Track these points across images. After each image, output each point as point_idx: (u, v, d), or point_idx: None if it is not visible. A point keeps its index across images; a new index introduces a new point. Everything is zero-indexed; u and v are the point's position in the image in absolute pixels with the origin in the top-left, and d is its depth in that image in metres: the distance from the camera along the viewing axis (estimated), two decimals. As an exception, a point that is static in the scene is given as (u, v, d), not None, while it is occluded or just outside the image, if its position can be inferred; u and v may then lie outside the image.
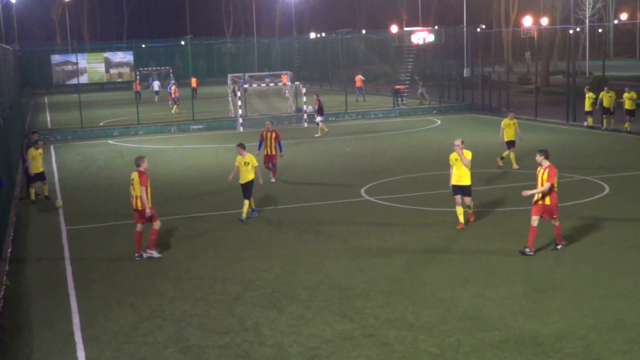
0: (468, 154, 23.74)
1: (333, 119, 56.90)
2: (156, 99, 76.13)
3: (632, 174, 31.84)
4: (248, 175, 25.02)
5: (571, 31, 75.87)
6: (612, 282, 18.43)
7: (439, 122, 53.46)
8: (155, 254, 21.52)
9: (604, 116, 45.26)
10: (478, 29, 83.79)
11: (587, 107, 46.28)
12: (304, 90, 54.85)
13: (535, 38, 77.43)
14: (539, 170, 20.74)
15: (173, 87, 66.08)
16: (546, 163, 20.65)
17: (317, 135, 47.35)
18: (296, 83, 57.78)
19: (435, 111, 59.42)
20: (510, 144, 33.10)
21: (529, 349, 14.65)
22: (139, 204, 21.05)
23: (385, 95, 66.24)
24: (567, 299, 17.37)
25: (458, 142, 23.81)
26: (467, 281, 18.77)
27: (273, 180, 31.59)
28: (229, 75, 61.23)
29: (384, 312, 16.87)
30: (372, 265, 20.29)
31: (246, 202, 25.34)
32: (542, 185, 20.35)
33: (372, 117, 57.74)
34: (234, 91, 56.30)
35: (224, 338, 15.69)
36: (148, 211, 20.99)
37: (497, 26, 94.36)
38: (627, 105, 43.59)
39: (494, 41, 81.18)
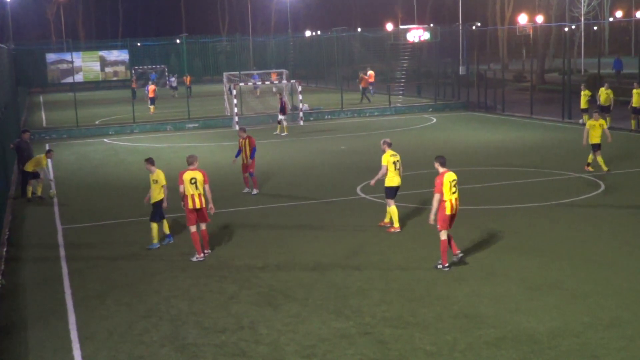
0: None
1: (329, 117, 56.98)
2: (175, 94, 76.11)
3: (627, 171, 31.87)
4: (156, 195, 22.49)
5: (566, 29, 75.76)
6: (608, 279, 18.45)
7: (435, 120, 53.50)
8: (207, 251, 21.53)
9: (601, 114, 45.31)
10: (473, 27, 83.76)
11: (583, 104, 46.31)
12: (299, 89, 54.86)
13: (531, 36, 77.50)
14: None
15: (151, 87, 65.91)
16: (441, 169, 19.66)
17: (275, 132, 47.38)
18: (292, 81, 57.79)
19: (430, 109, 59.48)
20: (596, 147, 31.18)
21: (525, 347, 14.67)
22: (203, 202, 20.98)
23: (381, 93, 66.22)
24: (563, 296, 17.39)
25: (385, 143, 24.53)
26: (462, 279, 18.79)
27: (255, 192, 29.68)
28: (225, 74, 61.18)
29: (380, 310, 16.88)
30: (368, 264, 20.30)
31: (154, 225, 22.48)
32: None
33: (367, 115, 57.79)
34: (229, 89, 56.29)
35: (220, 337, 15.70)
36: (212, 208, 21.27)
37: (492, 24, 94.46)
38: (637, 102, 43.30)
39: (490, 39, 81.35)
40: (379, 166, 34.42)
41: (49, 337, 16.13)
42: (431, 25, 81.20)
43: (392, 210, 23.51)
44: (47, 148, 32.88)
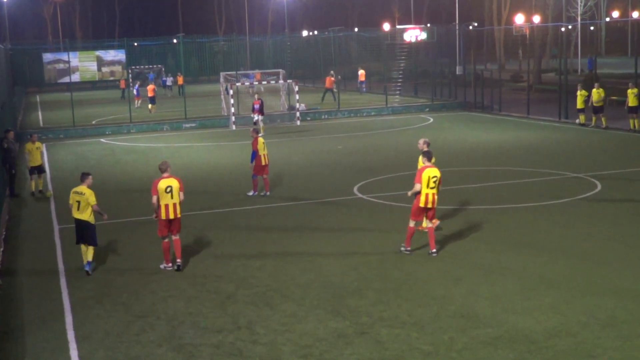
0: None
1: (326, 116, 56.98)
2: (169, 94, 75.82)
3: (624, 171, 31.91)
4: (81, 213, 20.27)
5: (563, 29, 75.95)
6: (605, 279, 18.48)
7: (432, 120, 53.54)
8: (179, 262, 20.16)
9: (593, 114, 45.40)
10: (470, 27, 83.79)
11: (579, 104, 46.38)
12: (296, 89, 54.88)
13: (527, 36, 77.53)
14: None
15: (150, 87, 66.32)
16: (427, 164, 20.66)
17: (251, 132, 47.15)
18: (289, 81, 57.78)
19: (427, 109, 59.50)
20: None
21: (521, 346, 14.69)
22: (178, 212, 19.78)
23: (378, 93, 66.27)
24: (559, 296, 17.42)
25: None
26: (459, 279, 18.81)
27: (251, 193, 29.06)
28: (222, 74, 61.19)
29: (377, 310, 16.89)
30: (365, 264, 20.32)
31: (82, 247, 20.53)
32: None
33: (364, 115, 57.82)
34: (226, 89, 56.28)
35: (217, 336, 15.70)
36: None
37: (489, 24, 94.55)
38: (632, 101, 43.30)
39: (486, 39, 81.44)
40: (375, 166, 34.64)
41: (46, 338, 16.12)
42: (428, 25, 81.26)
43: None
44: (29, 134, 33.56)
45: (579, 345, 14.71)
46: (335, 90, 64.24)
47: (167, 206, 19.61)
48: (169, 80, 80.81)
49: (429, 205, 20.29)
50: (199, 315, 16.90)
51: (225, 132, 50.52)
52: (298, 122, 53.35)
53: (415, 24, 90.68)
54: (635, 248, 21.01)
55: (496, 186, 29.50)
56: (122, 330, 16.30)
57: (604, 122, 44.83)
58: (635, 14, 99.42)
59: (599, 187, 28.79)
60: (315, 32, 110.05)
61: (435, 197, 20.39)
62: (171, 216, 19.67)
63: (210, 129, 52.61)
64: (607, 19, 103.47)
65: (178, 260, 20.06)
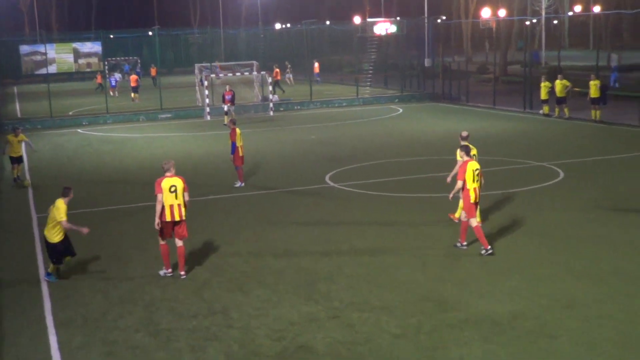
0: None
1: (299, 107, 56.98)
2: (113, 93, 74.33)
3: (585, 159, 32.18)
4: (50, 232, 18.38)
5: (528, 22, 76.20)
6: (566, 263, 18.66)
7: (401, 110, 53.66)
8: (183, 274, 18.58)
9: (556, 105, 45.73)
10: (439, 20, 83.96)
11: (543, 95, 46.66)
12: (269, 80, 54.94)
13: (494, 29, 77.81)
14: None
15: (133, 76, 66.70)
16: (466, 158, 19.69)
17: (224, 124, 46.74)
18: (262, 73, 57.73)
19: (397, 100, 59.60)
20: None
21: (486, 328, 14.84)
22: (183, 214, 18.14)
23: (349, 84, 66.31)
24: (522, 279, 17.58)
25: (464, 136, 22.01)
26: (427, 264, 18.92)
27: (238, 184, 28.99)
28: (196, 65, 61.05)
29: (348, 294, 17.00)
30: (336, 250, 20.41)
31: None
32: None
33: (336, 106, 57.86)
34: (201, 80, 56.19)
35: (192, 321, 15.75)
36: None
37: (457, 17, 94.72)
38: (592, 93, 43.65)
39: (454, 32, 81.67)
40: (346, 155, 34.71)
41: (25, 324, 16.10)
42: (398, 18, 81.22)
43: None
44: (13, 127, 33.42)
45: (542, 326, 14.88)
46: (317, 79, 64.23)
47: (171, 207, 17.93)
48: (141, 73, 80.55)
49: (479, 200, 19.57)
50: (176, 301, 16.95)
51: (200, 122, 50.41)
52: (271, 113, 53.31)
53: (386, 17, 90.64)
54: (594, 234, 21.22)
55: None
56: (100, 316, 16.31)
57: (566, 113, 45.13)
58: (596, 9, 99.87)
59: (562, 175, 29.00)
60: (288, 25, 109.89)
61: (480, 191, 19.63)
62: (176, 217, 18.00)
63: (185, 119, 52.48)
64: (570, 13, 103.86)
65: (182, 273, 18.46)
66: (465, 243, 20.00)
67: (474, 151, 21.18)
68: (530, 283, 17.36)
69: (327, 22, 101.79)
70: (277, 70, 62.66)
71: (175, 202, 17.93)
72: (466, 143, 20.59)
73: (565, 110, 45.18)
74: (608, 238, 20.83)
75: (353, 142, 39.13)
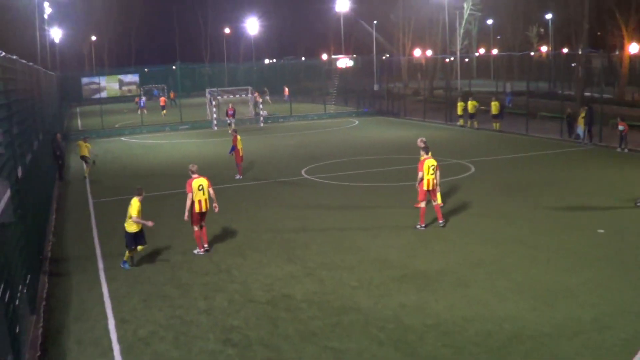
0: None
1: (282, 120, 56.70)
2: (138, 112, 72.45)
3: (490, 158, 32.26)
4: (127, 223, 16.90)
5: (447, 60, 76.34)
6: (477, 233, 18.70)
7: (357, 122, 53.56)
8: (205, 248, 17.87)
9: (469, 119, 45.88)
10: (384, 57, 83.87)
11: (459, 111, 46.84)
12: (260, 100, 54.76)
13: (423, 63, 77.89)
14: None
15: (162, 98, 66.66)
16: (425, 156, 19.41)
17: (229, 132, 46.34)
18: (254, 95, 57.50)
19: (354, 115, 59.45)
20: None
21: (420, 281, 14.84)
22: (208, 206, 17.49)
23: (319, 103, 66.11)
24: (447, 245, 17.60)
25: (420, 142, 21.12)
26: (377, 235, 18.90)
27: (238, 177, 28.68)
28: (207, 90, 60.69)
29: (319, 257, 16.95)
30: (310, 224, 20.36)
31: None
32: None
33: (310, 119, 57.63)
34: (210, 101, 55.89)
35: (205, 278, 15.66)
36: (217, 207, 17.95)
37: (397, 54, 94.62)
38: (493, 110, 43.93)
39: (395, 65, 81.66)
40: (317, 155, 34.62)
41: (85, 278, 15.99)
42: (354, 55, 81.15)
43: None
44: (83, 136, 34.14)
45: (459, 279, 14.92)
46: (285, 98, 63.64)
47: (200, 202, 17.25)
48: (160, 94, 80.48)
49: (431, 188, 19.27)
50: (192, 263, 16.84)
51: (209, 131, 50.09)
52: (262, 125, 53.10)
53: (345, 54, 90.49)
54: (497, 210, 21.29)
55: (402, 169, 29.66)
56: (138, 273, 16.20)
57: (476, 125, 45.24)
58: (495, 51, 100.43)
59: (473, 169, 29.07)
60: (274, 60, 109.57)
61: (435, 181, 19.29)
62: (204, 209, 17.36)
63: (199, 129, 52.08)
64: (477, 54, 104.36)
65: (206, 245, 17.85)
66: (424, 225, 19.56)
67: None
68: (452, 248, 17.38)
69: (303, 58, 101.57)
70: (257, 93, 62.10)
71: (203, 198, 17.31)
72: (424, 145, 19.95)
73: (475, 122, 45.29)
74: (507, 213, 20.90)
75: (322, 145, 39.02)
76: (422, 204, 19.42)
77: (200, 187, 17.35)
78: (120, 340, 12.37)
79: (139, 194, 16.81)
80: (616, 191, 23.99)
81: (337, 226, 20.10)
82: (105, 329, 12.90)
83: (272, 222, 20.93)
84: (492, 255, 16.58)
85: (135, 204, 16.59)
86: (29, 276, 13.33)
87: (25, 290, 12.64)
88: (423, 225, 19.42)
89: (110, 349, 12.01)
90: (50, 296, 14.87)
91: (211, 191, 17.59)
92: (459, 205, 22.07)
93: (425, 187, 19.22)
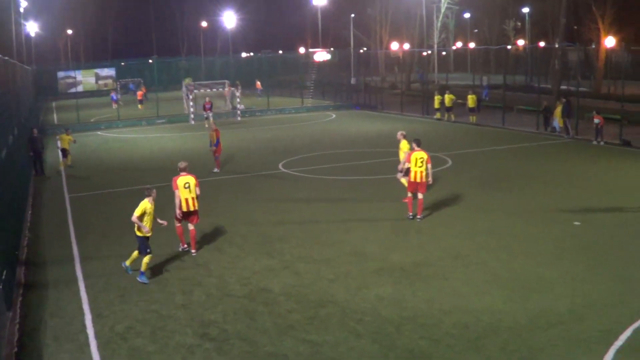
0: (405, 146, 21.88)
1: (259, 114, 56.55)
2: (114, 106, 71.65)
3: (467, 151, 32.42)
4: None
5: (424, 53, 76.52)
6: (454, 226, 18.80)
7: (334, 116, 53.56)
8: (194, 252, 17.07)
9: (446, 112, 46.06)
10: (361, 50, 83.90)
11: (436, 105, 46.99)
12: (238, 93, 54.57)
13: (400, 57, 78.01)
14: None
15: (139, 92, 66.35)
16: (417, 148, 19.66)
17: (206, 126, 46.08)
18: (232, 89, 57.25)
19: (331, 108, 59.38)
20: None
21: (397, 274, 14.90)
22: (195, 205, 16.85)
23: (296, 97, 66.00)
24: (424, 238, 17.68)
25: (400, 135, 22.09)
26: (353, 229, 18.93)
27: (216, 170, 28.64)
28: (184, 84, 60.36)
29: (297, 251, 16.96)
30: (287, 219, 20.36)
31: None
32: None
33: (286, 113, 57.50)
34: (186, 95, 55.58)
35: (182, 272, 15.62)
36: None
37: (374, 48, 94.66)
38: (470, 103, 44.16)
39: (372, 59, 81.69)
40: (294, 149, 34.60)
41: (61, 274, 15.87)
42: (332, 49, 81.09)
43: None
44: (65, 129, 34.09)
45: (436, 271, 15.00)
46: (258, 93, 63.57)
47: (186, 200, 16.69)
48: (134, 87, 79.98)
49: (418, 180, 19.29)
50: (169, 257, 16.76)
51: (186, 125, 49.86)
52: (239, 118, 52.94)
53: (323, 48, 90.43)
54: (473, 202, 21.41)
55: (380, 162, 29.71)
56: (114, 269, 16.08)
57: (452, 118, 45.41)
58: (472, 44, 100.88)
59: (450, 162, 29.20)
60: (252, 54, 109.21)
61: (423, 173, 19.22)
62: (191, 208, 16.73)
63: (175, 123, 51.73)
64: (454, 47, 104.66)
65: (193, 251, 17.07)
66: (418, 215, 19.62)
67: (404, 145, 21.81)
68: (429, 240, 17.46)
69: (280, 51, 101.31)
70: (229, 87, 61.81)
71: (190, 196, 16.70)
72: (415, 139, 20.10)
73: (452, 115, 45.46)
74: (484, 206, 21.02)
75: (300, 139, 38.99)
76: (410, 195, 19.81)
77: (187, 185, 16.74)
78: (97, 335, 12.32)
79: (148, 195, 15.41)
80: (592, 184, 24.23)
81: (315, 219, 20.11)
82: (82, 325, 12.83)
83: (250, 215, 20.89)
84: (469, 248, 16.68)
85: (141, 205, 15.18)
86: (4, 272, 13.23)
87: (1, 287, 12.55)
88: (411, 214, 19.67)
89: (87, 345, 11.95)
90: (27, 292, 14.76)
91: (197, 191, 16.88)
92: (436, 198, 22.16)
93: (411, 179, 19.45)
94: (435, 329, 12.05)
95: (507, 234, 17.85)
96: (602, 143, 33.31)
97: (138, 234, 15.23)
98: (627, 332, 11.67)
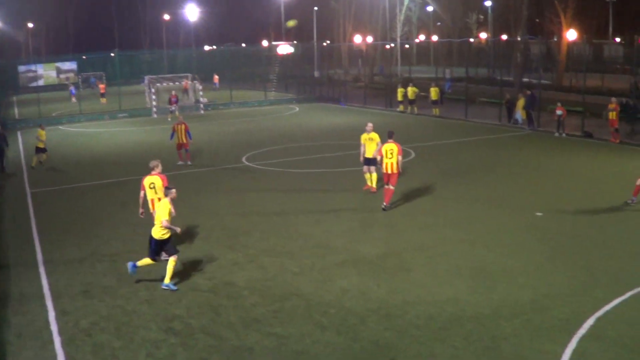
0: (376, 137, 22.02)
1: (222, 107, 56.26)
2: (73, 100, 70.78)
3: (430, 143, 32.61)
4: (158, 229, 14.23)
5: (387, 46, 76.72)
6: (418, 218, 18.91)
7: (297, 109, 53.51)
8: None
9: (409, 105, 46.27)
10: (324, 44, 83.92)
11: (399, 97, 47.20)
12: (200, 87, 54.27)
13: (364, 50, 78.10)
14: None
15: (101, 85, 65.57)
16: (389, 140, 19.79)
17: (169, 119, 45.87)
18: (193, 82, 56.93)
19: (294, 101, 59.31)
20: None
21: (361, 265, 14.95)
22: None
23: (259, 90, 65.78)
24: (388, 230, 17.75)
25: (370, 127, 22.15)
26: (319, 221, 18.95)
27: (189, 163, 28.61)
28: (146, 77, 59.85)
29: (261, 244, 16.93)
30: (251, 212, 20.30)
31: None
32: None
33: (250, 106, 57.28)
34: (148, 88, 55.11)
35: (146, 267, 15.46)
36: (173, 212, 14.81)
37: (337, 41, 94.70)
38: (433, 96, 44.42)
39: (336, 52, 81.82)
40: (257, 142, 34.51)
41: (24, 271, 15.62)
42: (295, 42, 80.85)
43: (366, 175, 22.33)
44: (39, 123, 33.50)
45: (401, 263, 15.08)
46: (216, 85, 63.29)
47: (152, 201, 16.15)
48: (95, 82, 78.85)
49: (389, 171, 19.53)
50: (134, 253, 16.54)
51: (148, 119, 49.44)
52: (202, 112, 52.66)
53: (286, 41, 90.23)
54: (437, 194, 21.55)
55: (343, 155, 29.71)
56: (78, 265, 15.92)
57: (416, 110, 45.62)
58: (434, 37, 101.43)
59: (413, 154, 29.34)
60: (214, 47, 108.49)
61: (394, 164, 19.47)
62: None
63: (137, 117, 51.28)
64: (417, 40, 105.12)
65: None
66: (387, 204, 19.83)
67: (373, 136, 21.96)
68: (393, 233, 17.54)
69: (243, 44, 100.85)
70: (187, 81, 61.29)
71: (155, 197, 16.05)
72: (389, 131, 20.32)
73: (415, 108, 45.66)
74: (447, 197, 21.18)
75: (263, 132, 38.87)
76: (370, 185, 20.38)
77: (152, 186, 16.19)
78: (60, 332, 12.18)
79: (168, 195, 14.40)
80: (554, 175, 24.53)
81: (279, 213, 20.08)
82: (46, 321, 12.67)
83: (214, 209, 20.80)
84: (433, 240, 16.79)
85: (164, 208, 14.03)
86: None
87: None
88: (387, 204, 19.79)
89: (51, 341, 11.81)
90: (-13, 289, 14.54)
91: (173, 211, 15.37)
92: (400, 191, 22.23)
93: (383, 170, 19.75)
94: (400, 320, 12.12)
95: (471, 226, 18.00)
96: (563, 135, 33.73)
97: (156, 236, 14.10)
98: (590, 321, 11.85)
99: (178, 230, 14.27)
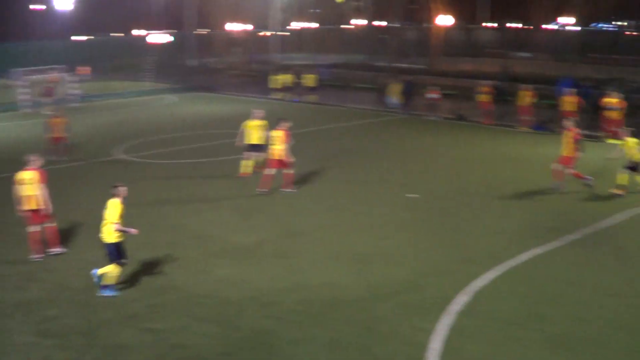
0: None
1: (97, 99, 54.57)
2: None
3: (306, 130, 32.75)
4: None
5: (263, 33, 76.61)
6: (295, 204, 18.99)
7: (175, 98, 52.55)
8: (59, 249, 15.60)
9: (285, 92, 46.39)
10: (200, 32, 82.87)
11: (276, 85, 47.26)
12: (72, 79, 52.62)
13: (240, 38, 77.66)
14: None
15: None
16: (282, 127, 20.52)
17: (42, 113, 44.24)
18: (63, 74, 55.02)
19: (172, 91, 58.22)
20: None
21: (239, 255, 14.93)
22: (39, 203, 14.94)
23: (135, 80, 64.23)
24: (266, 218, 17.75)
25: (260, 114, 22.98)
26: (197, 211, 18.72)
27: (65, 157, 27.10)
28: (13, 70, 57.28)
29: (137, 237, 16.22)
30: (128, 205, 19.74)
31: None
32: None
33: (126, 97, 55.76)
34: (17, 82, 52.75)
35: (16, 268, 14.81)
36: (50, 209, 15.10)
37: (215, 29, 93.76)
38: (309, 83, 44.67)
39: (212, 40, 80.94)
40: (135, 133, 33.67)
41: None
42: (170, 30, 79.35)
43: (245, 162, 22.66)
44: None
45: (278, 250, 15.17)
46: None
47: (27, 197, 14.93)
48: None
49: (276, 157, 20.19)
50: (2, 253, 15.84)
51: (18, 114, 47.31)
52: (76, 104, 50.99)
53: (161, 30, 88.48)
54: (315, 181, 21.67)
55: (220, 144, 29.42)
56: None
57: (293, 97, 45.77)
58: (312, 24, 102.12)
59: (293, 141, 29.27)
60: (86, 37, 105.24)
61: (280, 151, 20.17)
62: (33, 206, 14.94)
63: (6, 112, 48.97)
64: (290, 27, 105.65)
65: (58, 248, 15.60)
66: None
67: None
68: (270, 220, 17.56)
69: (119, 34, 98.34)
70: (56, 74, 59.01)
71: (30, 193, 14.91)
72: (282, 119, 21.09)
73: (292, 95, 45.79)
74: (324, 183, 21.40)
75: (139, 123, 37.95)
76: (268, 171, 20.31)
77: (23, 182, 15.00)
78: None
79: (117, 194, 13.27)
80: (428, 157, 25.18)
81: (156, 204, 19.68)
82: None
83: (86, 204, 20.11)
84: (310, 225, 16.88)
85: (113, 208, 13.08)
86: None
87: None
88: (264, 189, 20.11)
89: None
90: None
91: (43, 188, 14.99)
92: (277, 178, 22.24)
93: (269, 156, 20.34)
94: (279, 307, 12.11)
95: (347, 210, 18.21)
96: (439, 118, 34.66)
97: (109, 240, 13.07)
98: (464, 297, 12.23)
99: (133, 231, 13.33)
